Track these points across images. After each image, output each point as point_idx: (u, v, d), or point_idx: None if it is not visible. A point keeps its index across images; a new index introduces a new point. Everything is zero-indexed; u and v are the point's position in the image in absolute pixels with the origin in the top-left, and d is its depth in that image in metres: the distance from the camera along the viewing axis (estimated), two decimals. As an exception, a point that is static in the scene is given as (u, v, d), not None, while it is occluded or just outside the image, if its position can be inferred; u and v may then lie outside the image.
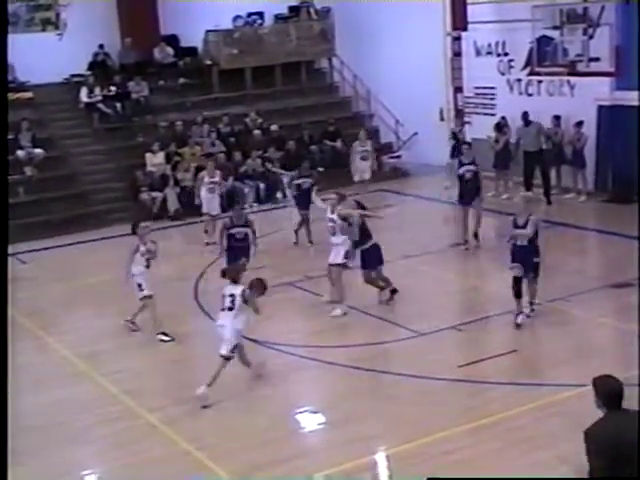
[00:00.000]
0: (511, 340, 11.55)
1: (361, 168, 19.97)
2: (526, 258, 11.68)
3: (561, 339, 11.61)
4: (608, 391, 5.92)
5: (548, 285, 12.65)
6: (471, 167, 15.82)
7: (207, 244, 17.17)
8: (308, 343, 12.00)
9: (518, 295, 11.82)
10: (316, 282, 14.13)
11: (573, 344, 11.41)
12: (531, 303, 12.09)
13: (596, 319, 12.04)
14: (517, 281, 11.77)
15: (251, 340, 11.98)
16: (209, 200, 17.59)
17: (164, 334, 12.25)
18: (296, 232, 17.02)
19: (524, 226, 11.68)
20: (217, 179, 17.75)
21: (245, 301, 10.22)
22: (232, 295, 10.27)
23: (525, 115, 19.25)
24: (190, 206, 20.15)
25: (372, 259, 12.77)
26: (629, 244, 14.83)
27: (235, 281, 10.43)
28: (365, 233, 12.79)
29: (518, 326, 11.75)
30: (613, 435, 5.75)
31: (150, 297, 12.35)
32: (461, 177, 15.89)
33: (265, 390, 10.55)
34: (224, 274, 10.68)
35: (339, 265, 12.80)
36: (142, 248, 12.37)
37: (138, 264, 12.31)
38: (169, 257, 17.71)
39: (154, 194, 20.29)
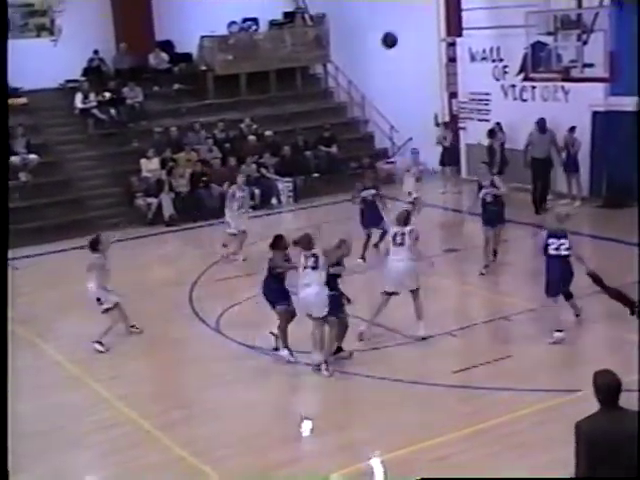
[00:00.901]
0: (506, 346, 11.57)
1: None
2: (567, 272, 11.61)
3: (555, 345, 11.61)
4: (605, 385, 5.91)
5: (540, 290, 12.65)
6: (490, 189, 14.61)
7: (233, 254, 16.48)
8: (303, 348, 11.98)
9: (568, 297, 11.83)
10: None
11: (568, 349, 11.41)
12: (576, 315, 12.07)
13: (591, 325, 12.05)
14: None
15: (248, 347, 12.01)
16: (239, 216, 16.63)
17: (100, 343, 12.16)
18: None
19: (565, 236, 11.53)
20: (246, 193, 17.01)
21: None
22: (315, 255, 10.92)
23: (542, 122, 18.91)
24: (185, 212, 20.20)
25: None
26: (624, 249, 14.86)
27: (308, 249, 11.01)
28: None
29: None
30: (604, 430, 5.75)
31: (113, 308, 12.28)
32: (482, 201, 14.78)
33: (259, 395, 10.55)
34: (296, 243, 11.23)
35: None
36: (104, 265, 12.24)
37: (96, 279, 12.18)
38: (164, 263, 17.80)
39: (149, 200, 20.29)
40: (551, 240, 11.58)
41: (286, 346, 11.39)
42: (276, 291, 11.55)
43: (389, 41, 19.32)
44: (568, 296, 11.82)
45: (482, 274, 14.46)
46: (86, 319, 12.93)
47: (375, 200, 16.01)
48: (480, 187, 14.78)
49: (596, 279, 8.19)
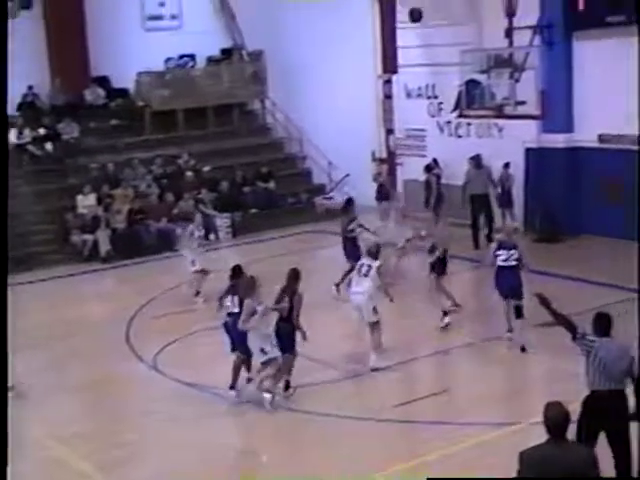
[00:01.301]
0: (444, 379, 11.66)
1: None
2: (512, 284, 12.40)
3: (494, 377, 11.75)
4: (553, 417, 5.98)
5: (480, 324, 12.83)
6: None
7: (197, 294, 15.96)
8: (240, 385, 11.92)
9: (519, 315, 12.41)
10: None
11: (504, 382, 11.55)
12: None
13: (526, 357, 12.20)
14: (518, 310, 12.46)
15: (186, 384, 11.89)
16: (200, 253, 16.45)
17: None
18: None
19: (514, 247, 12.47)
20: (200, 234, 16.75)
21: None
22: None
23: (477, 158, 19.10)
24: (122, 248, 20.02)
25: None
26: (558, 283, 15.12)
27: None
28: None
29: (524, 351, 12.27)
30: (548, 461, 5.81)
31: None
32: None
33: (195, 433, 10.44)
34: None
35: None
36: None
37: None
38: (100, 300, 17.58)
39: (85, 236, 20.06)
40: (500, 252, 12.45)
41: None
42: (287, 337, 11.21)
43: (415, 15, 19.50)
44: (519, 312, 12.40)
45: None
46: (24, 354, 12.66)
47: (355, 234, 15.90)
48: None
49: (544, 301, 8.36)
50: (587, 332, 8.01)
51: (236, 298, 11.32)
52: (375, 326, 12.02)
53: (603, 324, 8.05)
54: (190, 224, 17.02)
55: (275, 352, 10.85)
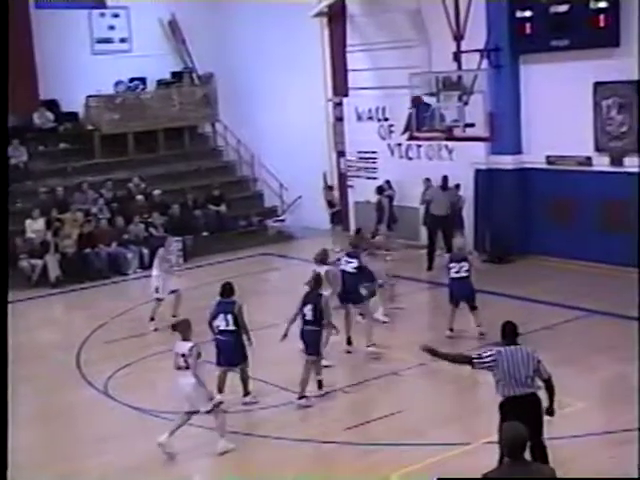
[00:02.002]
0: (397, 401, 11.66)
1: None
2: (465, 291, 13.85)
3: (445, 398, 11.80)
4: (511, 439, 6.01)
5: (431, 344, 12.84)
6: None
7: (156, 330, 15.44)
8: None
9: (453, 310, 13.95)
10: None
11: (457, 403, 11.59)
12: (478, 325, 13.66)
13: (478, 377, 12.25)
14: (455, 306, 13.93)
15: (138, 409, 11.78)
16: (166, 279, 15.79)
17: None
18: None
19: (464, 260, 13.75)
20: (173, 257, 16.03)
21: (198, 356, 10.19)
22: (183, 355, 10.19)
23: (444, 180, 19.01)
24: (72, 273, 19.79)
25: None
26: (507, 303, 15.27)
27: (185, 338, 10.34)
28: None
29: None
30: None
31: None
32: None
33: (148, 458, 10.33)
34: (174, 328, 10.64)
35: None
36: None
37: None
38: (50, 325, 17.35)
39: (34, 261, 19.82)
40: (452, 264, 13.87)
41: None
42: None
43: None
44: (473, 307, 13.89)
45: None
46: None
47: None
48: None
49: (430, 351, 8.70)
50: (480, 352, 8.54)
51: (230, 316, 11.46)
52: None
53: (509, 332, 8.55)
54: (138, 247, 16.83)
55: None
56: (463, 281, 13.86)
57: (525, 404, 8.19)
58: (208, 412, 10.29)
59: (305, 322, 11.79)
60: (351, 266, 13.86)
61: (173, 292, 15.90)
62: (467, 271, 13.81)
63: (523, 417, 7.81)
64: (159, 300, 15.74)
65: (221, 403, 10.71)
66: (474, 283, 14.03)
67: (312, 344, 11.76)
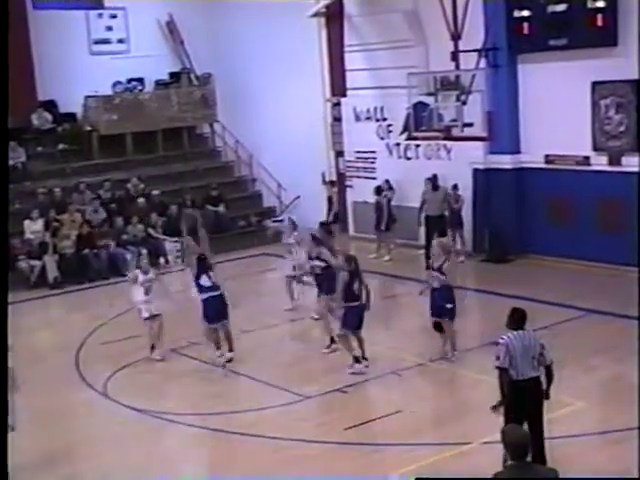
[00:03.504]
0: (395, 400, 11.65)
1: None
2: (441, 303, 12.63)
3: (444, 398, 11.80)
4: (514, 442, 6.03)
5: (430, 345, 12.88)
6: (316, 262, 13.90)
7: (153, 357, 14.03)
8: (192, 410, 11.83)
9: (440, 331, 12.89)
10: (198, 348, 13.97)
11: (456, 402, 11.59)
12: (452, 346, 12.83)
13: (477, 377, 12.27)
14: (436, 325, 12.84)
15: (137, 410, 11.77)
16: (149, 302, 13.84)
17: None
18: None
19: (439, 270, 12.64)
20: (152, 275, 14.03)
21: None
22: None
23: (434, 179, 19.04)
24: (70, 274, 19.78)
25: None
26: (506, 302, 15.23)
27: None
28: None
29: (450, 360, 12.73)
30: None
31: None
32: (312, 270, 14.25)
33: (146, 460, 10.33)
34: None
35: None
36: None
37: None
38: (49, 327, 17.35)
39: (32, 262, 19.81)
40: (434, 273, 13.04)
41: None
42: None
43: None
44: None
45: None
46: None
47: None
48: (309, 257, 14.31)
49: (497, 407, 8.84)
50: (496, 355, 8.73)
51: (211, 273, 13.06)
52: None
53: (517, 318, 8.87)
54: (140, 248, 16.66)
55: None
56: (440, 292, 12.71)
57: (530, 387, 8.60)
58: None
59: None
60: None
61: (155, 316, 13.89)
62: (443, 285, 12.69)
63: (528, 399, 8.52)
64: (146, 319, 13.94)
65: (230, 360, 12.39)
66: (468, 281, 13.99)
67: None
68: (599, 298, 15.19)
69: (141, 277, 13.86)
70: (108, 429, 11.39)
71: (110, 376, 13.18)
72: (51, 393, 12.60)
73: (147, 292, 13.79)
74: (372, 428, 10.88)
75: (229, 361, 12.92)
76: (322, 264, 13.82)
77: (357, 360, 12.59)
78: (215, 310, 12.98)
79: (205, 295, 13.02)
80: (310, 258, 14.22)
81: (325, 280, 13.72)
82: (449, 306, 12.63)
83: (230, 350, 13.10)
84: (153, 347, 13.84)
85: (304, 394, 11.90)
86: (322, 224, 16.27)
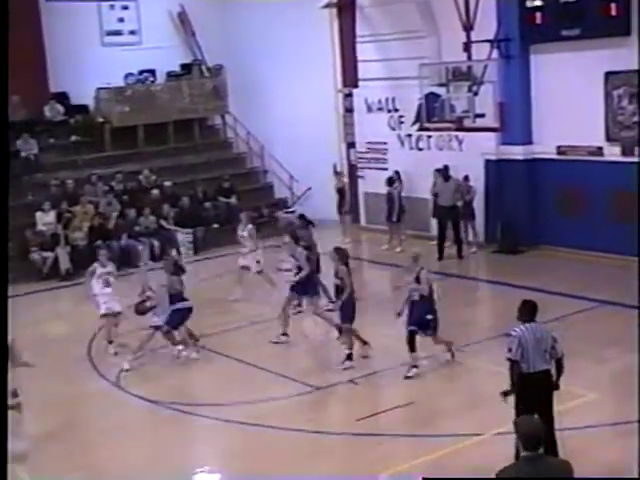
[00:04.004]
0: (407, 392, 11.65)
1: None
2: (421, 314, 11.94)
3: (457, 389, 11.78)
4: (527, 432, 5.98)
5: (442, 336, 12.85)
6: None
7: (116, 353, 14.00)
8: (204, 401, 11.86)
9: (412, 349, 11.98)
10: (208, 339, 14.01)
11: (469, 394, 11.57)
12: (449, 350, 12.43)
13: (490, 368, 12.24)
14: (411, 335, 11.96)
15: (149, 401, 11.81)
16: (107, 296, 14.12)
17: None
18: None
19: (416, 281, 11.98)
20: (111, 268, 14.38)
21: None
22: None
23: (445, 170, 19.02)
24: (82, 266, 19.78)
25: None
26: (518, 294, 15.20)
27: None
28: None
29: (407, 377, 11.90)
30: (525, 478, 5.81)
31: None
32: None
33: (159, 450, 10.36)
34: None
35: None
36: None
37: None
38: (61, 318, 17.39)
39: (45, 254, 19.87)
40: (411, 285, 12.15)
41: None
42: None
43: None
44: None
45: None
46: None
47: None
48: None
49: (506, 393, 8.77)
50: (508, 347, 8.72)
51: None
52: None
53: (528, 310, 8.86)
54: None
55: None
56: (417, 305, 12.04)
57: (541, 380, 8.62)
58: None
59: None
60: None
61: (118, 314, 14.18)
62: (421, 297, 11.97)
63: (538, 392, 8.52)
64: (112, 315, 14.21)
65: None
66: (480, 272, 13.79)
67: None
68: (611, 289, 15.13)
69: (99, 270, 14.16)
70: (120, 419, 11.42)
71: (123, 367, 13.21)
72: (64, 383, 12.65)
73: (106, 285, 14.01)
74: (384, 419, 10.88)
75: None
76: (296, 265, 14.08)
77: (350, 357, 12.47)
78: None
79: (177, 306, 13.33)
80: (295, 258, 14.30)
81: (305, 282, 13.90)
82: (429, 317, 11.97)
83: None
84: (111, 342, 13.99)
85: (315, 385, 11.90)
86: (301, 216, 16.72)
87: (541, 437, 5.97)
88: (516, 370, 8.60)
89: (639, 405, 8.40)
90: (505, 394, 8.75)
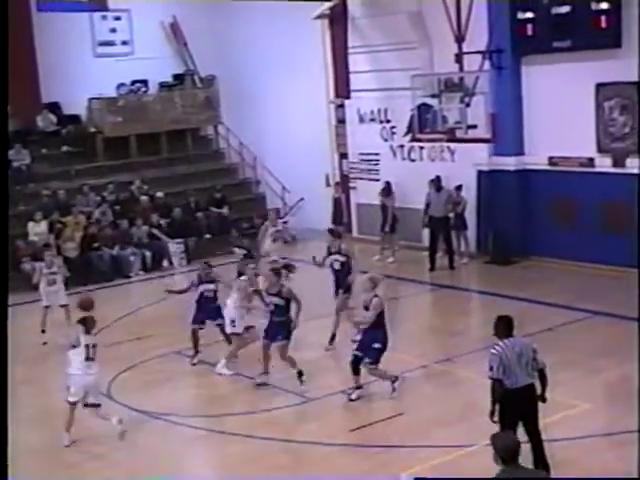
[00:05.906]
0: (399, 402, 11.64)
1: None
2: (369, 342, 11.52)
3: (448, 400, 11.77)
4: (504, 447, 6.11)
5: (434, 347, 12.86)
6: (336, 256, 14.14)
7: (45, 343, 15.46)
8: (198, 412, 11.84)
9: (355, 372, 11.70)
10: (203, 351, 13.98)
11: (460, 404, 11.57)
12: (389, 380, 11.86)
13: (481, 379, 12.23)
14: (355, 360, 11.65)
15: (140, 412, 11.77)
16: (52, 293, 15.86)
17: None
18: None
19: (367, 308, 11.49)
20: (56, 269, 16.12)
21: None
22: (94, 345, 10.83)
23: (437, 181, 19.00)
24: (74, 276, 19.75)
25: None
26: (510, 304, 15.25)
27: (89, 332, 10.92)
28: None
29: (351, 400, 11.67)
30: None
31: None
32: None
33: (152, 461, 10.33)
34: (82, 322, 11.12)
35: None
36: None
37: None
38: (52, 328, 17.29)
39: (36, 264, 19.79)
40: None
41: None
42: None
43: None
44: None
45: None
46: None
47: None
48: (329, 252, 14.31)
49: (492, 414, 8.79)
50: (489, 366, 8.62)
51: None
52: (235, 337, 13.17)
53: (504, 325, 8.73)
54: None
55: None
56: (365, 333, 11.61)
57: (526, 394, 8.55)
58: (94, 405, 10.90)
59: None
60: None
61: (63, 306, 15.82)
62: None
63: (524, 407, 8.49)
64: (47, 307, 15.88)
65: None
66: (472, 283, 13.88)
67: None
68: (603, 300, 15.17)
69: (45, 270, 15.90)
70: (111, 430, 11.37)
71: (114, 377, 13.17)
72: (54, 393, 12.57)
73: (51, 283, 15.75)
74: (377, 430, 10.86)
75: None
76: (342, 259, 14.02)
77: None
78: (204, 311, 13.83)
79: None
80: (330, 253, 14.25)
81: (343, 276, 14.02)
82: (376, 346, 11.44)
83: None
84: (43, 331, 15.55)
85: (308, 396, 11.88)
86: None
87: (517, 451, 6.09)
88: (498, 389, 8.52)
89: (639, 415, 8.39)
90: (492, 414, 8.70)
